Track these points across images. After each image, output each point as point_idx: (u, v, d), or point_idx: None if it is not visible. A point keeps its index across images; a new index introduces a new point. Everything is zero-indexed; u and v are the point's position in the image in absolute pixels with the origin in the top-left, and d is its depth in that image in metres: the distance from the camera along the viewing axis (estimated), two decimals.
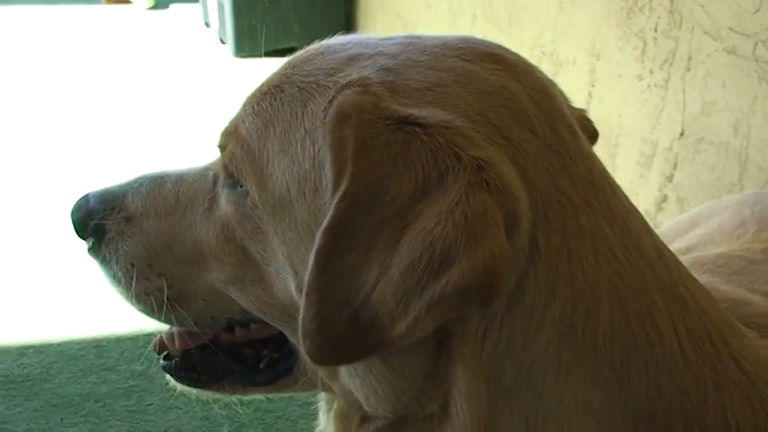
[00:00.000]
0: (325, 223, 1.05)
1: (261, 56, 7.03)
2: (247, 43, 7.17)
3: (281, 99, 1.20)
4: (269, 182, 1.18)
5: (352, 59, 1.18)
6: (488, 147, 1.06)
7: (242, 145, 1.22)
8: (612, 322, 1.09)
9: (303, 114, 1.16)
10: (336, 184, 1.06)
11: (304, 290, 1.06)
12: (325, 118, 1.12)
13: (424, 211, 1.01)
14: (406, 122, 1.05)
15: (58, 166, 5.05)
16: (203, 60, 7.24)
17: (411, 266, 0.99)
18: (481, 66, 1.16)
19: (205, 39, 7.86)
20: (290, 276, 1.19)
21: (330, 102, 1.13)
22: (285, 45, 7.00)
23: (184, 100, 6.22)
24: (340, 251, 1.04)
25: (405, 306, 1.00)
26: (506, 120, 1.11)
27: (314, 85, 1.17)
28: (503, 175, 1.03)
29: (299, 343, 1.25)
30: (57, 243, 4.05)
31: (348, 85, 1.13)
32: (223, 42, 7.49)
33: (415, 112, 1.07)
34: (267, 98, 1.22)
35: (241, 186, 1.24)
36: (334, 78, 1.16)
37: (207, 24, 8.16)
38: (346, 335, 1.03)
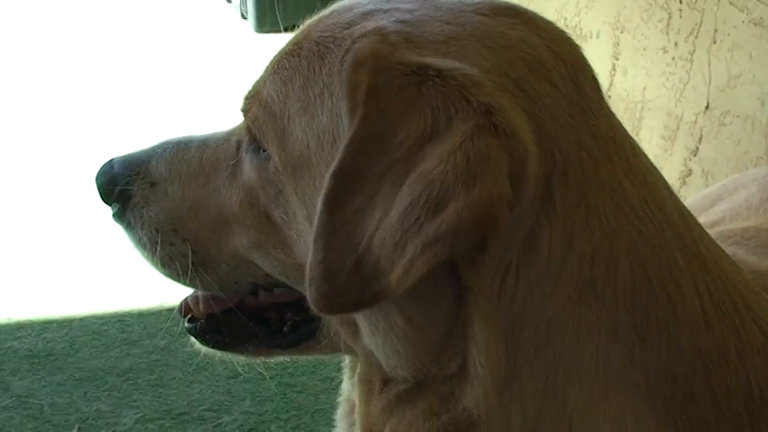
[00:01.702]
0: (333, 167, 1.05)
1: (282, 31, 7.00)
2: (268, 18, 7.13)
3: (299, 56, 1.19)
4: (289, 141, 1.18)
5: (367, 14, 1.17)
6: (500, 95, 1.05)
7: (264, 106, 1.22)
8: (633, 278, 1.08)
9: (320, 68, 1.16)
10: (349, 129, 1.06)
11: (311, 236, 1.06)
12: (342, 68, 1.12)
13: (429, 154, 1.00)
14: (420, 69, 1.05)
15: (80, 140, 5.06)
16: (224, 36, 7.22)
17: (409, 207, 0.99)
18: (499, 20, 1.15)
19: (226, 14, 7.83)
20: (310, 238, 1.16)
21: (347, 52, 1.12)
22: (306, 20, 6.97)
23: (205, 75, 6.21)
24: (347, 196, 1.04)
25: (402, 248, 0.99)
26: (523, 72, 1.09)
27: (330, 39, 1.17)
28: (512, 123, 1.02)
29: None
30: (80, 218, 4.06)
31: (364, 35, 1.13)
32: (244, 18, 7.46)
33: (429, 60, 1.06)
34: (286, 57, 1.22)
35: (264, 151, 1.24)
36: (350, 31, 1.15)
37: (228, 0, 8.14)
38: (350, 282, 1.03)
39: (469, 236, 0.99)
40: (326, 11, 1.25)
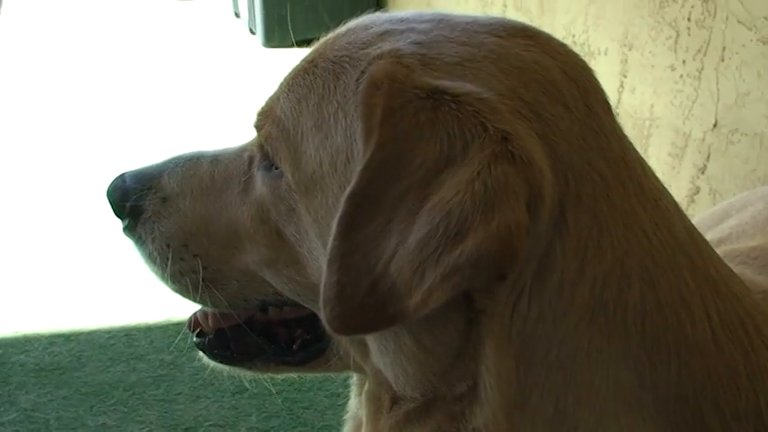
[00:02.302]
0: (348, 190, 1.05)
1: (291, 46, 7.02)
2: (277, 33, 7.16)
3: (314, 74, 1.19)
4: (302, 159, 1.18)
5: (384, 34, 1.17)
6: (515, 120, 1.05)
7: (277, 124, 1.22)
8: (644, 301, 1.08)
9: (336, 87, 1.16)
10: (365, 152, 1.06)
11: (326, 257, 1.06)
12: (357, 89, 1.12)
13: (447, 181, 1.00)
14: (436, 93, 1.05)
15: (88, 154, 5.07)
16: (233, 51, 7.25)
17: (428, 236, 0.99)
18: (513, 41, 1.15)
19: (235, 29, 7.87)
20: (322, 257, 1.18)
21: (362, 72, 1.12)
22: (315, 35, 6.90)
23: (214, 90, 6.23)
24: (363, 219, 1.04)
25: (420, 276, 0.99)
26: (537, 95, 1.09)
27: (346, 59, 1.17)
28: (528, 149, 1.02)
29: None
30: (88, 233, 4.07)
31: (380, 57, 1.13)
32: (253, 33, 7.49)
33: (445, 83, 1.06)
34: (301, 75, 1.22)
35: (276, 168, 1.23)
36: (366, 51, 1.15)
37: (237, 15, 8.16)
38: (365, 304, 1.03)
39: (489, 265, 0.99)
40: (342, 29, 1.25)
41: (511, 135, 1.01)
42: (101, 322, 3.48)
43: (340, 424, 1.51)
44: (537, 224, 1.03)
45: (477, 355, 1.09)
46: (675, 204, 1.18)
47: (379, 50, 1.14)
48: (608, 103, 1.18)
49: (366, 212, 1.03)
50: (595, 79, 1.19)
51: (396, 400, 1.20)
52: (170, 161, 1.43)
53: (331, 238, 1.06)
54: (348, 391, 1.47)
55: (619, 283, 1.07)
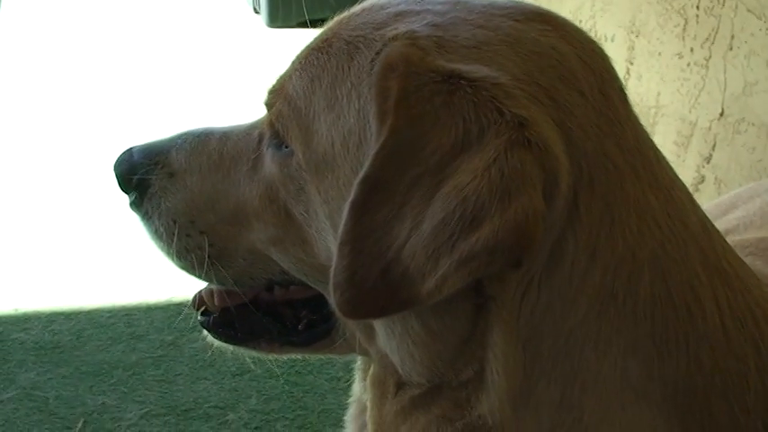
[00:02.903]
0: (361, 174, 1.04)
1: (295, 26, 6.99)
2: (281, 13, 7.11)
3: (327, 53, 1.18)
4: (314, 139, 1.17)
5: (399, 15, 1.16)
6: (532, 106, 1.04)
7: (289, 102, 1.21)
8: (654, 292, 1.07)
9: (350, 68, 1.15)
10: (378, 136, 1.05)
11: (337, 241, 1.06)
12: (371, 70, 1.11)
13: (462, 167, 0.99)
14: (452, 76, 1.04)
15: (92, 133, 5.06)
16: (236, 30, 7.21)
17: (443, 222, 0.98)
18: (530, 25, 1.14)
19: (238, 8, 7.83)
20: (330, 237, 1.17)
21: (377, 54, 1.11)
22: (320, 15, 6.88)
23: (218, 69, 6.21)
24: (375, 203, 1.03)
25: (434, 262, 0.99)
26: (553, 81, 1.08)
27: (361, 39, 1.15)
28: (544, 135, 1.01)
29: None
30: (89, 210, 4.06)
31: (395, 38, 1.11)
32: (257, 12, 7.45)
33: (460, 67, 1.05)
34: (314, 53, 1.21)
35: (286, 147, 1.23)
36: (381, 32, 1.14)
37: None
38: (376, 288, 1.03)
39: (505, 253, 0.98)
40: (357, 8, 1.24)
41: (527, 121, 1.01)
42: (101, 301, 3.47)
43: (341, 407, 1.50)
44: (552, 212, 1.02)
45: (485, 341, 1.09)
46: (689, 194, 1.17)
47: (394, 31, 1.13)
48: (623, 92, 1.16)
49: (379, 197, 1.03)
50: (612, 67, 1.18)
51: (401, 386, 1.20)
52: (178, 137, 1.42)
53: (342, 222, 1.05)
54: (349, 376, 1.47)
55: (629, 274, 1.07)
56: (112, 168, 1.42)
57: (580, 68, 1.11)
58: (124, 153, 1.43)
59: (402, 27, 1.13)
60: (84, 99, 5.61)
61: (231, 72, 6.12)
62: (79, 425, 2.83)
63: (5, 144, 4.91)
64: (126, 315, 3.38)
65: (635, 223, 1.07)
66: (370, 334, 1.21)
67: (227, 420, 2.86)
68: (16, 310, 3.41)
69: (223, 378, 3.00)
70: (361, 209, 1.03)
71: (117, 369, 3.08)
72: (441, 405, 1.14)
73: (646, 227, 1.08)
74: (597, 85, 1.12)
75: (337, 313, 1.10)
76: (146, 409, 2.90)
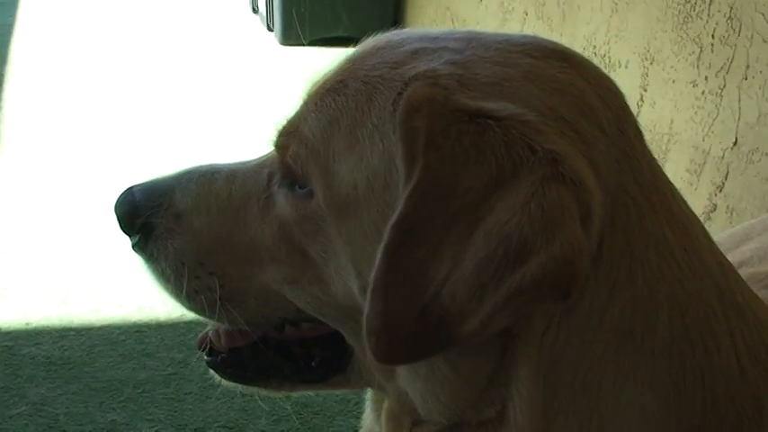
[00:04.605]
0: (394, 218, 1.03)
1: (308, 44, 7.02)
2: (294, 31, 7.14)
3: (345, 94, 1.17)
4: (335, 181, 1.15)
5: (416, 53, 1.15)
6: (561, 141, 1.04)
7: (306, 144, 1.19)
8: (672, 329, 1.08)
9: (370, 109, 1.13)
10: (407, 178, 1.04)
11: (369, 286, 1.04)
12: (394, 111, 1.10)
13: (498, 204, 0.99)
14: (478, 115, 1.03)
15: (99, 148, 5.08)
16: (249, 47, 7.25)
17: (486, 260, 0.98)
18: (548, 62, 1.14)
19: (252, 25, 7.86)
20: (352, 277, 1.16)
21: (399, 94, 1.10)
22: (332, 34, 6.98)
23: (229, 87, 6.23)
24: (409, 246, 1.02)
25: (478, 301, 0.98)
26: (576, 116, 1.08)
27: (379, 79, 1.14)
28: (577, 169, 1.01)
29: (359, 343, 1.23)
30: (102, 227, 4.07)
31: (416, 78, 1.11)
32: (270, 29, 7.49)
33: (486, 104, 1.05)
34: (330, 94, 1.18)
35: (301, 188, 1.21)
36: (400, 71, 1.13)
37: (254, 10, 8.16)
38: (414, 332, 1.02)
39: (553, 286, 0.98)
40: (367, 46, 1.23)
41: (560, 156, 1.01)
42: (113, 318, 3.48)
43: (349, 430, 1.50)
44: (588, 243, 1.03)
45: (509, 380, 1.09)
46: (703, 229, 1.18)
47: (413, 70, 1.12)
48: (639, 129, 1.17)
49: (413, 239, 1.02)
50: (626, 104, 1.18)
51: (417, 422, 1.20)
52: (182, 175, 1.39)
53: (375, 267, 1.04)
54: (358, 398, 1.46)
55: (648, 310, 1.07)
56: (113, 209, 1.39)
57: (598, 104, 1.12)
58: (125, 193, 1.39)
59: (421, 66, 1.12)
60: (95, 114, 5.63)
61: (244, 90, 6.14)
62: None
63: (18, 159, 4.94)
64: (137, 332, 3.40)
65: (654, 259, 1.08)
66: (390, 373, 1.20)
67: None
68: (27, 324, 3.42)
69: (233, 398, 3.00)
70: (395, 253, 1.03)
71: (127, 386, 3.09)
72: None
73: (664, 263, 1.08)
74: (615, 121, 1.12)
75: (367, 362, 1.09)
76: (155, 428, 2.91)
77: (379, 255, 1.04)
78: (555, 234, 0.97)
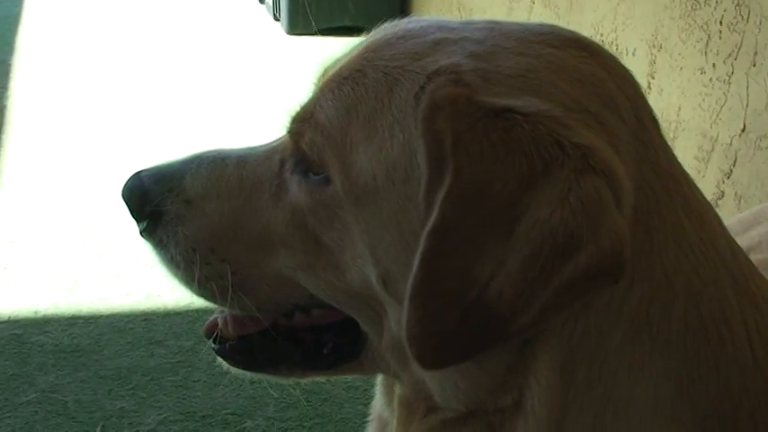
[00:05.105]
0: (430, 225, 1.03)
1: (314, 34, 7.01)
2: (301, 20, 7.14)
3: (363, 84, 1.15)
4: (353, 169, 1.14)
5: (437, 44, 1.14)
6: (588, 133, 1.04)
7: (322, 131, 1.18)
8: (687, 318, 1.08)
9: (390, 101, 1.12)
10: (434, 180, 1.04)
11: (407, 293, 1.05)
12: (416, 105, 1.09)
13: (535, 201, 0.99)
14: (504, 111, 1.03)
15: (107, 137, 5.09)
16: (256, 37, 7.25)
17: (532, 256, 0.98)
18: (569, 52, 1.14)
19: (259, 15, 7.86)
20: (369, 265, 1.16)
21: (421, 88, 1.09)
22: (339, 23, 6.97)
23: (236, 76, 6.24)
24: (447, 251, 1.02)
25: (528, 296, 0.99)
26: (599, 107, 1.09)
27: (400, 71, 1.13)
28: (607, 160, 1.01)
29: (373, 329, 1.24)
30: (109, 215, 4.08)
31: (438, 72, 1.10)
32: (277, 19, 7.48)
33: (511, 102, 1.04)
34: (348, 83, 1.17)
35: (315, 174, 1.20)
36: (422, 63, 1.12)
37: (261, 1, 8.16)
38: (457, 335, 1.03)
39: (604, 276, 0.99)
40: (386, 34, 1.22)
41: (589, 149, 1.01)
42: (121, 306, 3.49)
43: (358, 416, 1.50)
44: None
45: (527, 369, 1.09)
46: (717, 216, 1.18)
47: (436, 64, 1.11)
48: (655, 118, 1.17)
49: (451, 243, 1.02)
50: (642, 93, 1.18)
51: (432, 408, 1.20)
52: (191, 161, 1.36)
53: (411, 275, 1.04)
54: (366, 384, 1.46)
55: (664, 300, 1.07)
56: (121, 195, 1.36)
57: (618, 94, 1.12)
58: (132, 179, 1.36)
59: (443, 59, 1.11)
60: (103, 103, 5.64)
61: (251, 79, 6.15)
62: (98, 429, 2.84)
63: (26, 148, 4.95)
64: (145, 320, 3.41)
65: (671, 249, 1.08)
66: (405, 360, 1.19)
67: (245, 428, 2.87)
68: (36, 312, 3.44)
69: (241, 385, 3.01)
70: (433, 259, 1.02)
71: (135, 374, 3.10)
72: (473, 428, 1.15)
73: (681, 252, 1.09)
74: (633, 110, 1.12)
75: (419, 365, 1.09)
76: (164, 415, 2.92)
77: (416, 262, 1.04)
78: (599, 225, 0.98)
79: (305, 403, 2.94)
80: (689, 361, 1.08)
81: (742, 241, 1.91)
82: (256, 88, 5.92)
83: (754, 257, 1.68)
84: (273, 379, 1.43)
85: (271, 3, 7.62)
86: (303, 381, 1.46)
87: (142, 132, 5.16)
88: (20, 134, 5.12)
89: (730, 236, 1.18)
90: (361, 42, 1.25)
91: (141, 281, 3.62)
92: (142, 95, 5.80)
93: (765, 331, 1.13)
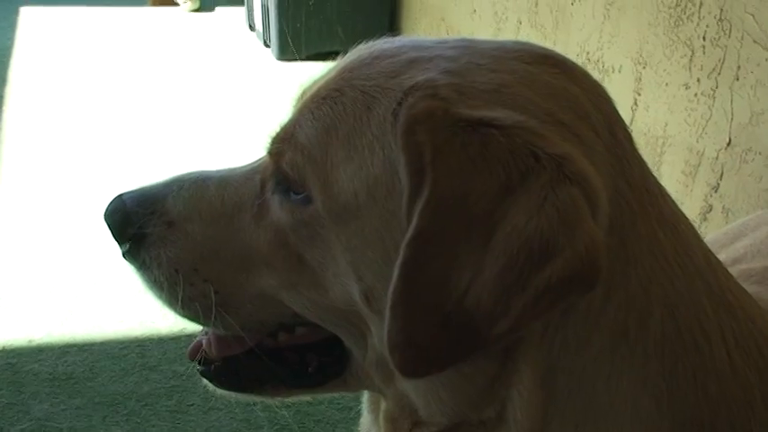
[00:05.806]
0: (409, 235, 1.04)
1: (304, 59, 7.04)
2: (290, 47, 7.17)
3: (342, 103, 1.17)
4: (334, 188, 1.16)
5: (412, 62, 1.16)
6: (564, 144, 1.05)
7: (302, 151, 1.19)
8: (664, 328, 1.09)
9: (369, 118, 1.14)
10: (414, 192, 1.05)
11: (387, 303, 1.06)
12: (395, 121, 1.10)
13: (511, 210, 1.01)
14: (480, 124, 1.05)
15: (99, 165, 5.09)
16: (246, 63, 7.27)
17: (509, 263, 0.99)
18: (542, 68, 1.16)
19: (249, 41, 7.88)
20: (351, 282, 1.17)
21: (399, 104, 1.11)
22: (329, 49, 7.00)
23: (227, 103, 6.25)
24: (426, 259, 1.03)
25: (505, 304, 1.00)
26: (574, 119, 1.11)
27: (377, 89, 1.15)
28: (583, 170, 1.03)
29: (357, 346, 1.25)
30: (101, 242, 4.08)
31: (415, 87, 1.11)
32: (267, 45, 7.51)
33: (487, 114, 1.06)
34: (326, 102, 1.19)
35: (296, 194, 1.21)
36: (398, 81, 1.14)
37: (251, 27, 8.18)
38: (438, 343, 1.04)
39: (580, 282, 1.00)
40: (362, 54, 1.24)
41: (565, 159, 1.02)
42: (114, 333, 3.50)
43: None
44: None
45: (510, 381, 1.11)
46: (692, 228, 1.19)
47: (411, 80, 1.13)
48: (628, 131, 1.19)
49: (429, 252, 1.03)
50: (615, 108, 1.20)
51: (416, 423, 1.21)
52: (172, 183, 1.38)
53: (392, 285, 1.05)
54: (359, 405, 1.47)
55: (641, 311, 1.09)
56: (103, 218, 1.38)
57: (591, 109, 1.14)
58: (115, 201, 1.38)
59: (418, 75, 1.13)
60: (93, 128, 5.64)
61: (242, 105, 6.16)
62: None
63: (17, 177, 4.95)
64: (138, 346, 3.41)
65: (647, 260, 1.10)
66: (389, 375, 1.21)
67: None
68: (30, 341, 3.44)
69: (235, 408, 3.02)
70: (412, 268, 1.04)
71: (130, 400, 3.11)
72: None
73: (656, 263, 1.10)
74: (606, 124, 1.14)
75: (400, 375, 1.10)
76: None
77: (396, 271, 1.05)
78: (574, 231, 0.99)
79: (298, 425, 2.94)
80: (667, 370, 1.09)
81: (728, 253, 1.94)
82: (246, 113, 5.94)
83: (739, 268, 1.70)
84: (259, 399, 1.44)
85: (261, 29, 7.65)
86: (291, 401, 1.45)
87: (133, 159, 5.16)
88: (12, 164, 5.13)
89: (706, 247, 1.20)
90: (338, 64, 1.27)
91: (134, 308, 3.62)
92: (133, 122, 5.81)
93: (742, 339, 1.15)
